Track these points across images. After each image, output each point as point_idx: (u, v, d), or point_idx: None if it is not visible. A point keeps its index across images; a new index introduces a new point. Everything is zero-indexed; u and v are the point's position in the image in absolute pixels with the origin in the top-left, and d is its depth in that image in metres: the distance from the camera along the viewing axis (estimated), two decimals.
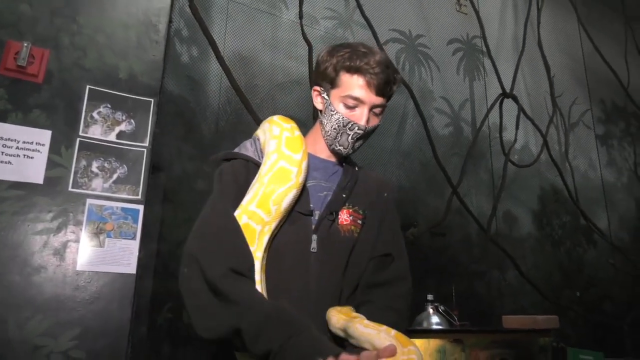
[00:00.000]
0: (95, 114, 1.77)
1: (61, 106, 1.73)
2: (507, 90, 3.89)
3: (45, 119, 1.70)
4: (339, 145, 1.20)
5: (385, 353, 0.84)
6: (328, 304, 1.08)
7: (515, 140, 3.86)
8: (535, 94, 4.41)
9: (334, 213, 1.16)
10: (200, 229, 1.05)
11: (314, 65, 1.26)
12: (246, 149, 1.21)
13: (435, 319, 2.14)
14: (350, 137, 1.19)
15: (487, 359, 2.16)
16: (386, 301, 1.12)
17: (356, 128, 1.18)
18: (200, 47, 2.75)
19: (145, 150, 1.82)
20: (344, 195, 1.18)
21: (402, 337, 0.94)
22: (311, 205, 1.15)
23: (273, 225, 1.08)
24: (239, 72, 2.88)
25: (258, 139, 1.23)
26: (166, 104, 2.60)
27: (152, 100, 1.87)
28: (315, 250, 1.11)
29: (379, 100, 1.18)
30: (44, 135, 1.68)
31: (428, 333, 2.07)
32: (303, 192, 1.15)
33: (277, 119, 1.22)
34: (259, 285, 1.02)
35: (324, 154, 1.24)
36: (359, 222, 1.18)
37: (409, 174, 3.60)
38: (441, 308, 2.21)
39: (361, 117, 1.17)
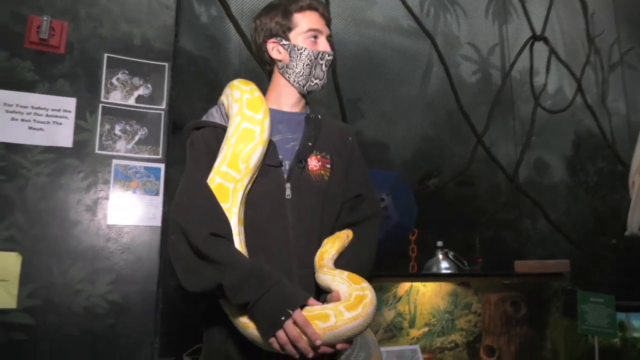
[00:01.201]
0: (114, 80, 1.90)
1: (83, 75, 1.86)
2: (538, 33, 3.75)
3: (69, 87, 1.84)
4: (315, 79, 1.29)
5: (332, 299, 1.03)
6: (307, 242, 1.18)
7: (546, 84, 3.75)
8: (571, 35, 4.22)
9: (303, 161, 1.24)
10: (181, 198, 1.17)
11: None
12: (212, 116, 1.29)
13: (444, 264, 2.22)
14: (323, 66, 1.29)
15: (498, 301, 2.23)
16: (360, 238, 1.23)
17: (327, 55, 1.28)
18: (218, 7, 2.80)
19: (162, 112, 1.95)
20: (310, 144, 1.26)
21: (354, 277, 1.07)
22: (280, 157, 1.24)
23: (245, 181, 1.17)
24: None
25: (222, 104, 1.32)
26: (187, 65, 2.71)
27: (166, 64, 1.98)
28: (290, 197, 1.20)
29: (328, 29, 1.30)
30: (70, 103, 1.83)
31: (437, 277, 2.16)
32: (270, 147, 1.23)
33: (237, 82, 1.31)
34: (237, 237, 1.13)
35: (287, 106, 1.32)
36: (328, 166, 1.26)
37: (434, 123, 3.58)
38: (451, 254, 2.28)
39: (326, 45, 1.29)
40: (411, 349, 1.91)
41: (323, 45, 1.28)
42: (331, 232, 1.25)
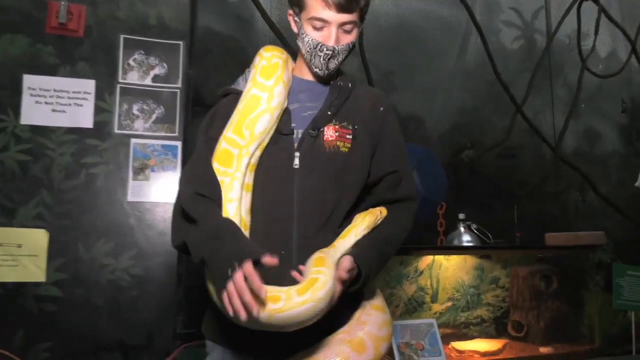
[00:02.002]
0: (131, 61, 1.95)
1: (101, 57, 1.93)
2: None
3: (88, 69, 1.91)
4: (315, 68, 1.24)
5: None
6: (312, 213, 1.15)
7: (594, 47, 3.48)
8: None
9: (316, 130, 1.20)
10: (187, 173, 1.21)
11: None
12: (238, 84, 1.30)
13: (466, 237, 2.14)
14: (322, 59, 1.21)
15: (528, 275, 2.13)
16: (393, 217, 1.21)
17: (325, 49, 1.20)
18: None
19: (178, 91, 1.98)
20: (330, 113, 1.22)
21: (320, 259, 1.06)
22: (293, 125, 1.21)
23: (250, 148, 1.17)
24: (284, 8, 2.90)
25: (249, 71, 1.31)
26: (216, 45, 2.73)
27: (181, 42, 2.00)
28: (298, 167, 1.17)
29: (345, 17, 1.18)
30: (90, 85, 1.90)
31: (456, 249, 2.09)
32: (285, 115, 1.22)
33: (262, 49, 1.30)
34: (235, 203, 1.14)
35: (310, 75, 1.28)
36: (348, 137, 1.21)
37: (473, 94, 3.43)
38: (474, 226, 2.19)
39: (329, 37, 1.19)
40: (427, 323, 1.87)
41: (327, 36, 1.19)
42: (356, 209, 1.22)
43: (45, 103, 1.86)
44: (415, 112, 3.22)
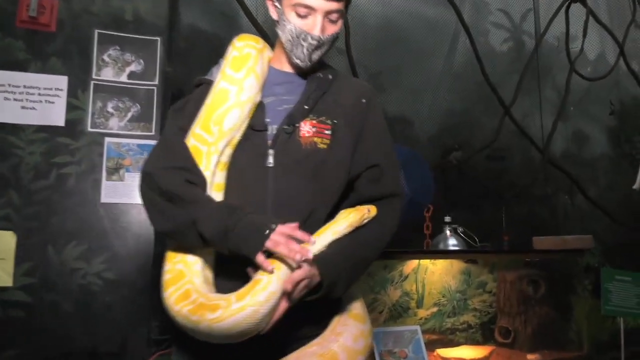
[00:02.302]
0: (105, 57, 1.87)
1: (75, 52, 1.85)
2: None
3: (61, 65, 1.83)
4: (296, 59, 1.16)
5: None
6: (288, 217, 1.05)
7: (582, 49, 3.46)
8: None
9: (292, 125, 1.12)
10: (154, 151, 1.14)
11: None
12: (211, 74, 1.22)
13: (452, 240, 2.08)
14: (305, 49, 1.13)
15: (516, 280, 2.08)
16: (376, 217, 1.12)
17: (309, 38, 1.12)
18: None
19: (155, 88, 1.91)
20: (307, 107, 1.14)
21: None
22: (267, 120, 1.13)
23: (220, 145, 1.10)
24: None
25: (222, 60, 1.23)
26: (202, 43, 2.66)
27: (159, 39, 1.93)
28: (272, 165, 1.09)
29: (333, 5, 1.11)
30: (62, 81, 1.83)
31: (442, 254, 2.03)
32: (258, 109, 1.14)
33: (236, 38, 1.22)
34: None
35: (290, 66, 1.20)
36: (327, 132, 1.13)
37: (462, 96, 3.38)
38: (460, 229, 2.14)
39: (314, 26, 1.11)
40: (410, 330, 1.81)
41: (312, 25, 1.11)
42: (336, 211, 1.14)
43: (15, 100, 1.78)
44: (404, 114, 3.16)
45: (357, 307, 1.15)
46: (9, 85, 1.78)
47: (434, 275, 2.03)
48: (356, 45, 2.83)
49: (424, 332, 1.89)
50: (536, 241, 2.18)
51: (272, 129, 1.13)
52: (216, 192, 1.10)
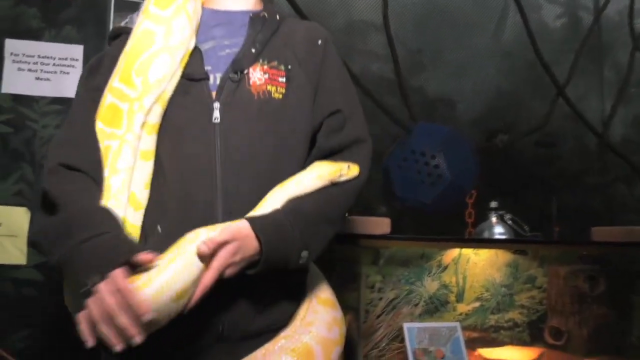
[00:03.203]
0: (122, 25, 1.76)
1: (90, 20, 1.77)
2: None
3: (76, 34, 1.75)
4: None
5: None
6: (239, 182, 0.91)
7: None
8: None
9: (239, 73, 0.95)
10: (60, 129, 0.99)
11: None
12: (132, 21, 1.07)
13: (498, 229, 1.87)
14: None
15: (569, 275, 1.87)
16: None
17: None
18: None
19: None
20: (254, 50, 0.98)
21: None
22: (207, 68, 0.96)
23: (145, 101, 0.92)
24: None
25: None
26: None
27: None
28: (219, 121, 0.93)
29: None
30: (77, 51, 1.74)
31: (485, 243, 1.83)
32: (194, 55, 0.97)
33: None
34: (122, 174, 0.89)
35: (230, 3, 1.04)
36: (281, 80, 0.98)
37: (510, 76, 3.16)
38: (508, 217, 1.93)
39: None
40: (449, 327, 1.62)
41: None
42: (300, 168, 0.97)
43: (29, 70, 1.70)
44: (446, 94, 2.99)
45: (325, 291, 1.00)
46: (23, 55, 1.70)
47: (476, 266, 1.84)
48: (394, 20, 2.64)
49: (464, 328, 1.71)
50: (596, 232, 1.95)
51: (216, 78, 0.96)
52: (143, 160, 0.93)
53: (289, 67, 0.99)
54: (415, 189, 2.07)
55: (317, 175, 0.90)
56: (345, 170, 0.92)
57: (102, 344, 0.85)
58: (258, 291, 0.89)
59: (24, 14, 1.69)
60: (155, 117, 0.94)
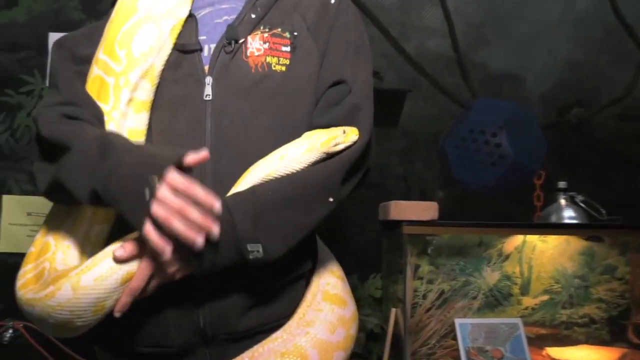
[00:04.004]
0: None
1: None
2: None
3: None
4: None
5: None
6: (230, 165, 0.81)
7: None
8: None
9: (234, 42, 0.83)
10: (47, 94, 0.91)
11: None
12: None
13: (569, 212, 1.65)
14: None
15: None
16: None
17: None
18: None
19: None
20: (254, 15, 0.85)
21: None
22: (201, 38, 0.85)
23: (131, 76, 0.82)
24: None
25: None
26: None
27: None
28: (211, 98, 0.82)
29: None
30: None
31: (555, 228, 1.63)
32: (187, 24, 0.86)
33: None
34: None
35: None
36: (285, 49, 0.84)
37: (585, 44, 2.87)
38: (579, 199, 1.70)
39: None
40: (508, 323, 1.45)
41: None
42: None
43: None
44: (512, 69, 2.76)
45: (336, 285, 0.86)
46: None
47: (543, 255, 1.65)
48: None
49: (530, 324, 1.54)
50: None
51: (210, 49, 0.85)
52: (131, 139, 0.83)
53: (295, 34, 0.86)
54: (475, 171, 1.90)
55: (307, 147, 0.78)
56: (342, 137, 0.79)
57: (95, 340, 0.81)
58: (247, 284, 0.78)
59: (66, 6, 1.71)
60: (144, 94, 0.84)
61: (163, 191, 0.66)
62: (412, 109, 2.45)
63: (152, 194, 0.66)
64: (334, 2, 0.90)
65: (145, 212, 0.66)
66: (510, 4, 2.76)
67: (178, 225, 0.66)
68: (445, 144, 2.00)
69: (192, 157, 0.69)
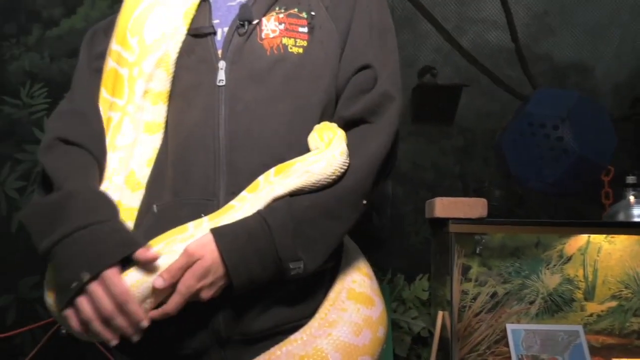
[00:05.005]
0: None
1: None
2: None
3: None
4: None
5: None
6: (246, 156, 0.76)
7: None
8: None
9: (247, 23, 0.79)
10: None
11: None
12: None
13: (638, 210, 1.50)
14: None
15: None
16: (357, 141, 0.76)
17: None
18: None
19: None
20: None
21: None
22: (215, 22, 0.81)
23: (145, 66, 0.79)
24: None
25: None
26: None
27: None
28: (224, 83, 0.78)
29: None
30: None
31: (624, 228, 1.48)
32: (201, 8, 0.82)
33: None
34: (121, 152, 0.79)
35: None
36: (302, 30, 0.80)
37: None
38: None
39: None
40: (568, 331, 1.32)
41: None
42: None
43: None
44: (580, 59, 2.60)
45: (362, 283, 0.79)
46: None
47: (610, 257, 1.51)
48: None
49: (595, 333, 1.40)
50: None
51: (223, 33, 0.81)
52: (147, 134, 0.81)
53: (312, 13, 0.81)
54: (535, 167, 1.78)
55: (327, 162, 0.72)
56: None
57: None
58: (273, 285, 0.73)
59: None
60: (160, 84, 0.81)
61: (95, 288, 0.66)
62: (469, 105, 2.35)
63: (80, 289, 0.66)
64: None
65: (69, 300, 0.67)
66: None
67: (96, 326, 0.67)
68: (502, 139, 1.89)
69: (140, 254, 0.67)
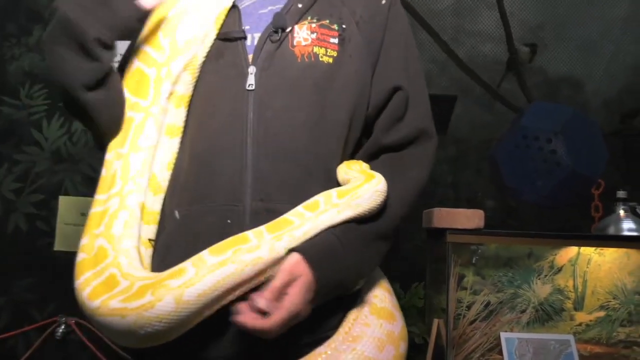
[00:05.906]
0: None
1: None
2: None
3: None
4: None
5: None
6: (273, 161, 0.77)
7: None
8: None
9: (281, 31, 0.81)
10: None
11: None
12: None
13: (628, 224, 1.54)
14: None
15: None
16: (395, 174, 0.80)
17: None
18: None
19: None
20: (301, 5, 0.83)
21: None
22: (245, 27, 0.83)
23: (173, 67, 0.80)
24: None
25: None
26: None
27: None
28: (254, 88, 0.79)
29: None
30: None
31: (613, 240, 1.52)
32: (231, 14, 0.84)
33: None
34: (144, 153, 0.79)
35: None
36: (333, 41, 0.82)
37: None
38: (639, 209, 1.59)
39: None
40: (559, 340, 1.36)
41: None
42: (344, 156, 0.84)
43: None
44: (571, 74, 2.65)
45: (383, 298, 0.81)
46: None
47: (600, 268, 1.55)
48: None
49: (584, 342, 1.44)
50: None
51: (254, 39, 0.82)
52: (168, 136, 0.82)
53: (344, 26, 0.83)
54: (528, 179, 1.81)
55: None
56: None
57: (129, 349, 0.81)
58: None
59: None
60: (184, 87, 0.82)
61: None
62: (463, 116, 2.38)
63: None
64: (385, 3, 0.88)
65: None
66: (570, 5, 2.66)
67: None
68: (496, 151, 1.93)
69: None
